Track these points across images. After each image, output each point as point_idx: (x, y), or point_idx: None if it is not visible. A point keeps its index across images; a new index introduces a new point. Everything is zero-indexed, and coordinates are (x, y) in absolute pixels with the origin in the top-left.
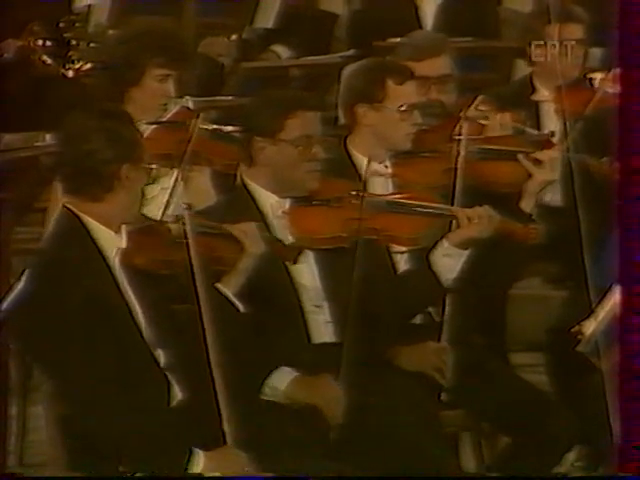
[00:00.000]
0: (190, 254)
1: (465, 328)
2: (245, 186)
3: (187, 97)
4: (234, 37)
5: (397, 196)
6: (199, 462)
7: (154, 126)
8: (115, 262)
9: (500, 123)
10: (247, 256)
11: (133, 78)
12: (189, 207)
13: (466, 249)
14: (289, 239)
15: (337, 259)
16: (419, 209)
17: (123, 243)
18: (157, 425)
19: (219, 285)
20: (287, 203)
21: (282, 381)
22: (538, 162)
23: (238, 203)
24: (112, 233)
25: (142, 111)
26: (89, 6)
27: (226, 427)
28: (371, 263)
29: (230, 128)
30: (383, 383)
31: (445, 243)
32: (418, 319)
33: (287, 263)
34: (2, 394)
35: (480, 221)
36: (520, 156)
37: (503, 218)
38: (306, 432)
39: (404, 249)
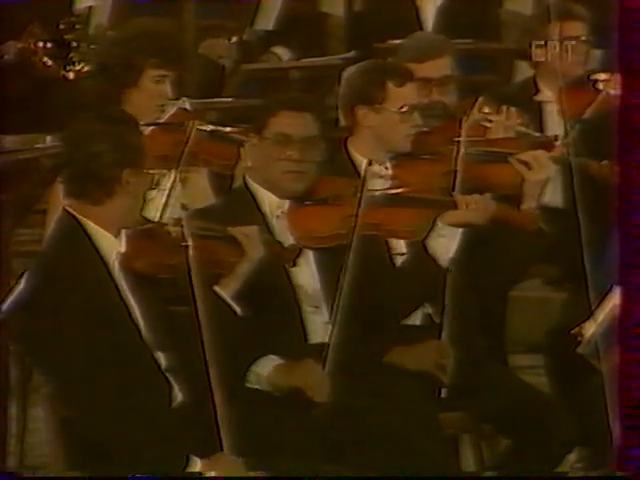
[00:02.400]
0: (189, 257)
1: (465, 329)
2: (247, 186)
3: (184, 98)
4: (234, 39)
5: (394, 190)
6: (196, 468)
7: (151, 127)
8: (115, 266)
9: (503, 125)
10: (247, 260)
11: (129, 79)
12: (186, 209)
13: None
14: (289, 239)
15: (336, 259)
16: (418, 200)
17: (122, 247)
18: (157, 427)
19: (217, 288)
20: (286, 203)
21: (265, 368)
22: (526, 164)
23: (238, 203)
24: (112, 237)
25: (139, 112)
26: (90, 7)
27: (222, 429)
28: (369, 259)
29: (228, 129)
30: (381, 383)
31: (439, 223)
32: (418, 320)
33: (286, 265)
34: (2, 395)
35: (477, 206)
36: (511, 159)
37: (500, 204)
38: (294, 415)
39: (404, 250)
